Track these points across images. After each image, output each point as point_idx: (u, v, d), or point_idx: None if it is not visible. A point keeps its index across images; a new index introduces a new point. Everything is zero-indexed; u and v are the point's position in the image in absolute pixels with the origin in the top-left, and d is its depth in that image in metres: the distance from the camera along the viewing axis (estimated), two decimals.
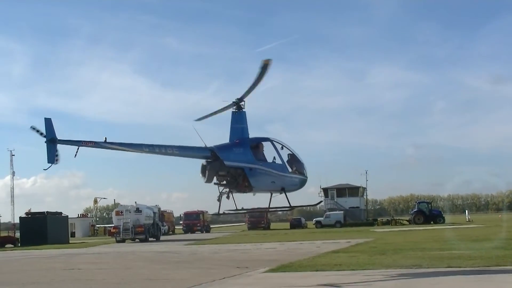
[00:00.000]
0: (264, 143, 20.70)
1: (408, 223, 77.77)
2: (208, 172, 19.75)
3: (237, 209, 20.93)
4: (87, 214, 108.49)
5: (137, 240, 52.58)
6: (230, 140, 20.34)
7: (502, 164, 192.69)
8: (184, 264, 24.90)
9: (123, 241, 52.16)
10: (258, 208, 23.93)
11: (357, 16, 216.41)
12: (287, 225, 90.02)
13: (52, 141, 19.36)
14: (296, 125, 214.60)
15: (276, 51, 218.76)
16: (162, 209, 70.57)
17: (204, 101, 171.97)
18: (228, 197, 20.27)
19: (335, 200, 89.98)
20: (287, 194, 20.57)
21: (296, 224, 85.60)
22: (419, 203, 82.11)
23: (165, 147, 19.89)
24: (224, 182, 20.06)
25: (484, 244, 27.14)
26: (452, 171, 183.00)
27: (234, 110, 20.52)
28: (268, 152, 20.65)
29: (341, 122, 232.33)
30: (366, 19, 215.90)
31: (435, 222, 73.02)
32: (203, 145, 19.86)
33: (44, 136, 19.46)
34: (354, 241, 35.68)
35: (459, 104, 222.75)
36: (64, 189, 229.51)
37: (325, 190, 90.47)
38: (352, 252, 25.85)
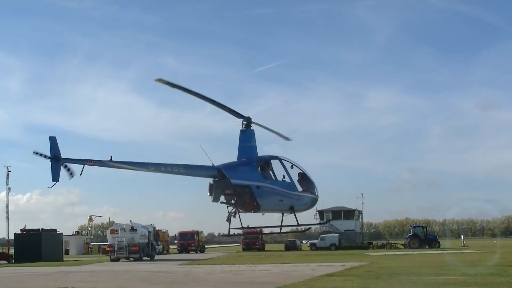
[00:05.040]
0: (272, 161, 20.30)
1: (403, 247, 77.66)
2: (215, 190, 19.54)
3: (243, 227, 20.57)
4: (82, 231, 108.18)
5: (131, 259, 52.35)
6: (238, 159, 20.09)
7: (497, 190, 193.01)
8: (178, 284, 24.76)
9: (117, 259, 51.94)
10: (265, 227, 23.63)
11: (355, 40, 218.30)
12: (282, 246, 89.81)
13: (56, 159, 19.40)
14: (292, 147, 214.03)
15: (273, 72, 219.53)
16: (157, 228, 70.29)
17: (200, 121, 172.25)
18: (234, 216, 19.96)
19: (330, 222, 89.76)
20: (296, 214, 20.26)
21: (290, 246, 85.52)
22: (414, 227, 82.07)
23: (171, 165, 19.76)
24: (232, 201, 19.82)
25: (480, 269, 27.12)
26: (448, 196, 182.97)
27: (242, 128, 20.41)
28: (277, 170, 20.24)
29: (337, 144, 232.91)
30: (364, 43, 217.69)
31: (430, 247, 72.92)
32: (207, 164, 19.77)
33: (48, 157, 19.46)
34: (349, 264, 35.55)
35: (454, 130, 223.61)
36: (59, 206, 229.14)
37: (321, 213, 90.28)
38: (347, 276, 25.77)
